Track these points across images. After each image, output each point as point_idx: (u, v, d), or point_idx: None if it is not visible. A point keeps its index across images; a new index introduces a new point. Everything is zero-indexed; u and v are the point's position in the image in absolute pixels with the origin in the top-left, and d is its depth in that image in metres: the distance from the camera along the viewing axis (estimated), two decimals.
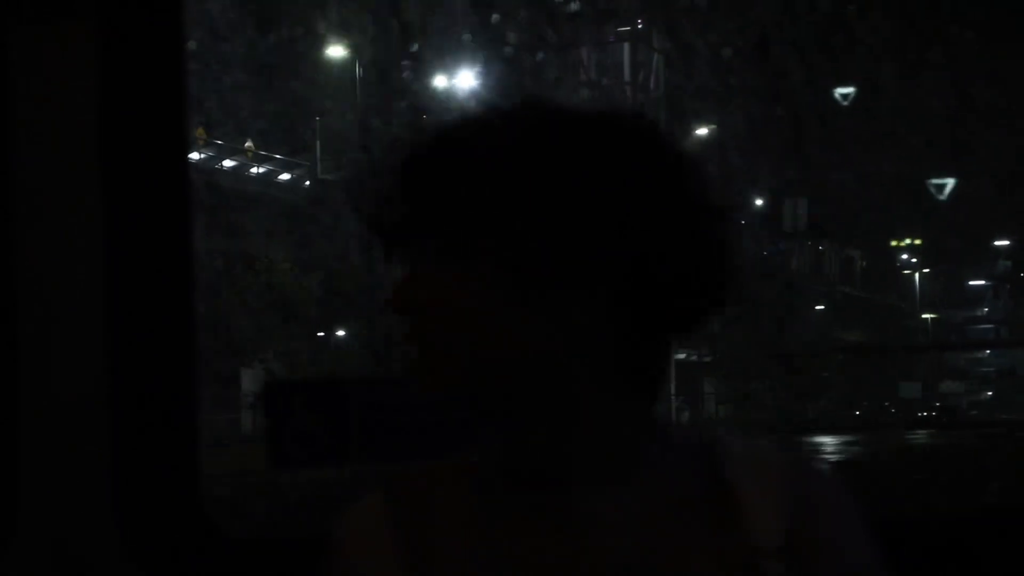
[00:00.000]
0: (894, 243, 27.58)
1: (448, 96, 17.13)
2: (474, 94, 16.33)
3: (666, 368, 1.46)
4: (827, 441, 17.85)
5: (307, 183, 18.41)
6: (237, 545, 2.37)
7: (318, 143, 17.51)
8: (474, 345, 1.39)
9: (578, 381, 1.40)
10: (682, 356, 18.45)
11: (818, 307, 25.25)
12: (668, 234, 1.37)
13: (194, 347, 2.36)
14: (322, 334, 18.08)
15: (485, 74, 17.17)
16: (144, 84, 2.31)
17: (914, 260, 28.53)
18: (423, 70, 17.32)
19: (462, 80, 17.45)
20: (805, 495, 1.46)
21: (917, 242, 27.10)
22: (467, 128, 1.41)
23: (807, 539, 1.43)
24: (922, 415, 24.44)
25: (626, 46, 18.19)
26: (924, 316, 28.36)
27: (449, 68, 17.10)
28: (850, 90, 17.37)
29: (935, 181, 21.13)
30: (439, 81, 17.90)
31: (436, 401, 1.50)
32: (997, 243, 26.20)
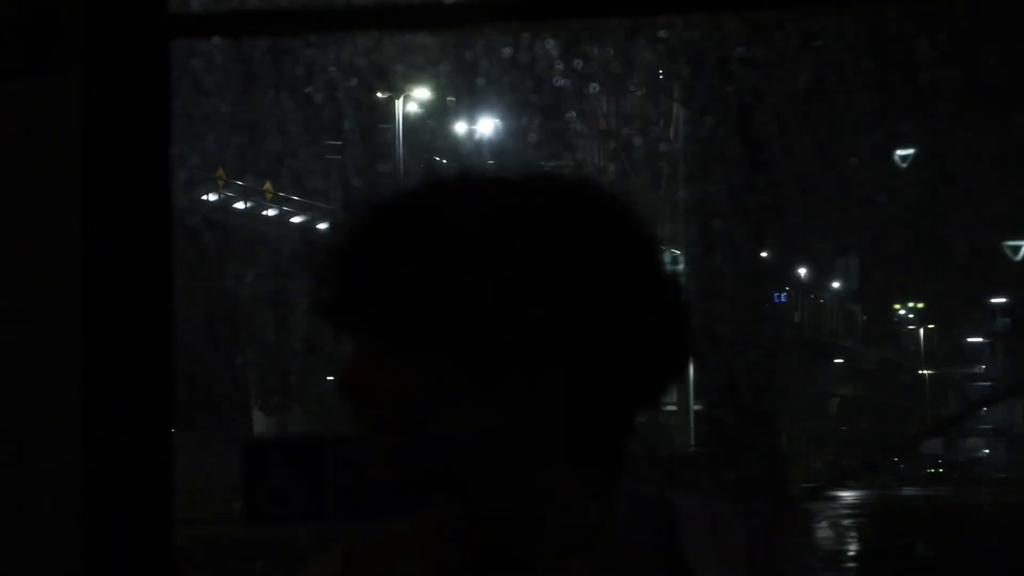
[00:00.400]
0: (897, 306, 27.74)
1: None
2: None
3: (630, 438, 1.42)
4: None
5: (321, 225, 18.61)
6: None
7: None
8: (424, 430, 1.36)
9: (535, 460, 1.37)
10: None
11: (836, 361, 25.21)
12: (626, 308, 1.34)
13: (171, 399, 2.35)
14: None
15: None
16: (128, 141, 2.32)
17: (911, 316, 28.70)
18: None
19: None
20: (764, 554, 1.43)
21: (920, 305, 27.27)
22: (410, 201, 1.37)
23: None
24: (935, 471, 24.35)
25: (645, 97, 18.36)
26: (922, 372, 28.51)
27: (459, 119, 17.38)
28: (909, 152, 17.61)
29: (1011, 243, 21.26)
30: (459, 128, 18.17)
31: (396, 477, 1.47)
32: (993, 300, 26.41)
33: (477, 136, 18.09)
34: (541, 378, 1.32)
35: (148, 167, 2.34)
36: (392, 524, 1.47)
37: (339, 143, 16.48)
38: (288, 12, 2.73)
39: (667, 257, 1.35)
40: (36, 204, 2.29)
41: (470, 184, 1.36)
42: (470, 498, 1.38)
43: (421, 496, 1.51)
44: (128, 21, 2.29)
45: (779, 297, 22.71)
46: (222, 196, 18.34)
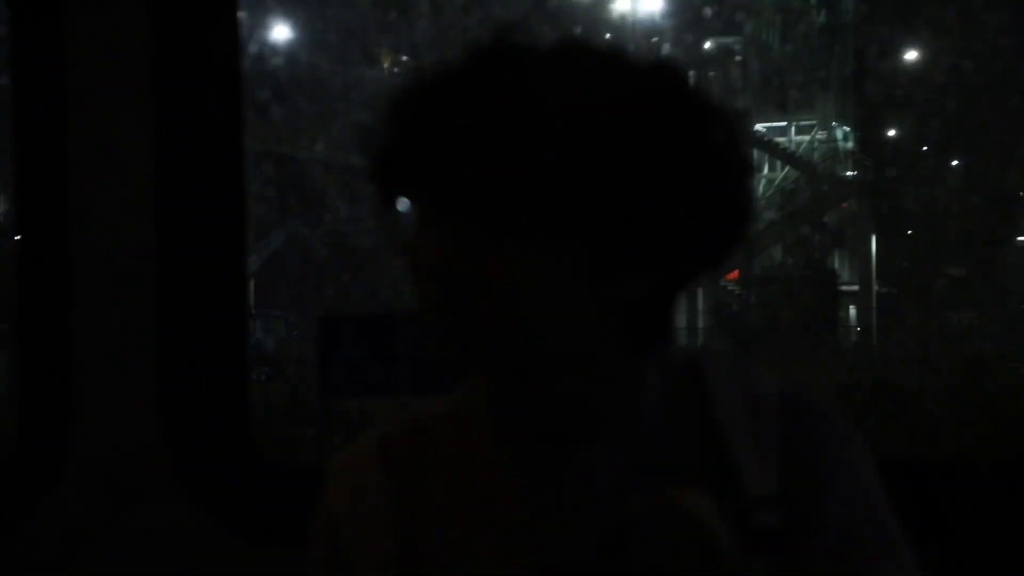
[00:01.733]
0: None
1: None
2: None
3: (673, 317, 1.41)
4: None
5: None
6: (285, 473, 2.41)
7: None
8: (530, 323, 1.31)
9: (596, 340, 1.35)
10: None
11: None
12: (691, 186, 1.30)
13: (243, 277, 2.40)
14: None
15: None
16: (198, 62, 2.34)
17: None
18: None
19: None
20: (799, 434, 1.40)
21: None
22: (493, 70, 1.29)
23: (802, 483, 1.38)
24: None
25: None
26: None
27: None
28: None
29: None
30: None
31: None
32: None
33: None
34: (621, 253, 1.29)
35: (219, 92, 2.38)
36: (425, 402, 1.49)
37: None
38: None
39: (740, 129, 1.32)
40: (107, 129, 2.33)
41: (555, 56, 1.30)
42: (522, 381, 1.36)
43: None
44: None
45: None
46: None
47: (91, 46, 2.30)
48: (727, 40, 21.70)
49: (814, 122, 22.37)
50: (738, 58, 21.65)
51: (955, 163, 20.45)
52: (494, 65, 1.28)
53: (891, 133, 20.91)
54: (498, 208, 1.26)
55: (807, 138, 22.35)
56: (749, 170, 1.35)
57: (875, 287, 20.87)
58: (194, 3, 2.32)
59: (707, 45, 21.60)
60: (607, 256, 1.28)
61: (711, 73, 21.16)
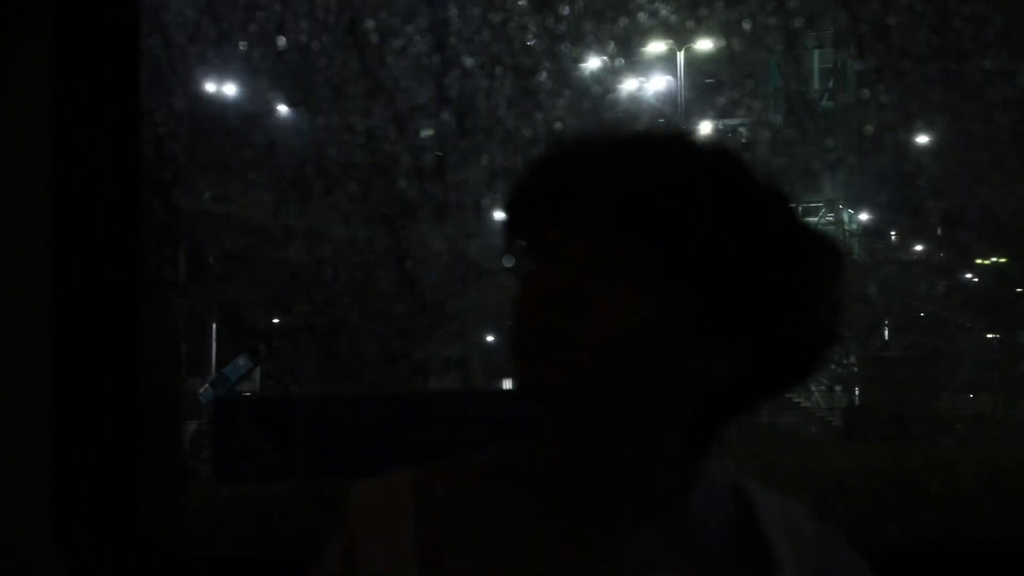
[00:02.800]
0: None
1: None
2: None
3: (724, 433, 1.46)
4: None
5: None
6: (180, 559, 2.38)
7: None
8: (636, 363, 1.35)
9: (675, 412, 1.39)
10: None
11: None
12: (809, 307, 1.38)
13: (139, 353, 2.37)
14: None
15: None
16: (97, 92, 2.32)
17: None
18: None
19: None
20: (833, 565, 1.47)
21: None
22: (646, 141, 1.40)
23: None
24: None
25: (816, 52, 18.42)
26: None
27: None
28: None
29: None
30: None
31: (393, 411, 1.46)
32: None
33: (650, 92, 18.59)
34: (737, 347, 1.36)
35: (117, 122, 2.35)
36: (361, 479, 1.45)
37: None
38: None
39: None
40: (2, 156, 2.29)
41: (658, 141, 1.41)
42: (593, 442, 1.38)
43: (393, 452, 1.50)
44: None
45: None
46: None
47: None
48: (733, 122, 21.86)
49: (821, 204, 22.42)
50: (744, 140, 21.85)
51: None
52: (661, 145, 1.38)
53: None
54: (622, 242, 1.33)
55: (814, 220, 22.52)
56: (843, 292, 1.44)
57: None
58: (94, 62, 2.32)
59: (713, 126, 21.84)
60: (710, 319, 1.34)
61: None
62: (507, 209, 1.41)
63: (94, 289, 2.32)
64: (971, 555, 2.42)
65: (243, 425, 2.59)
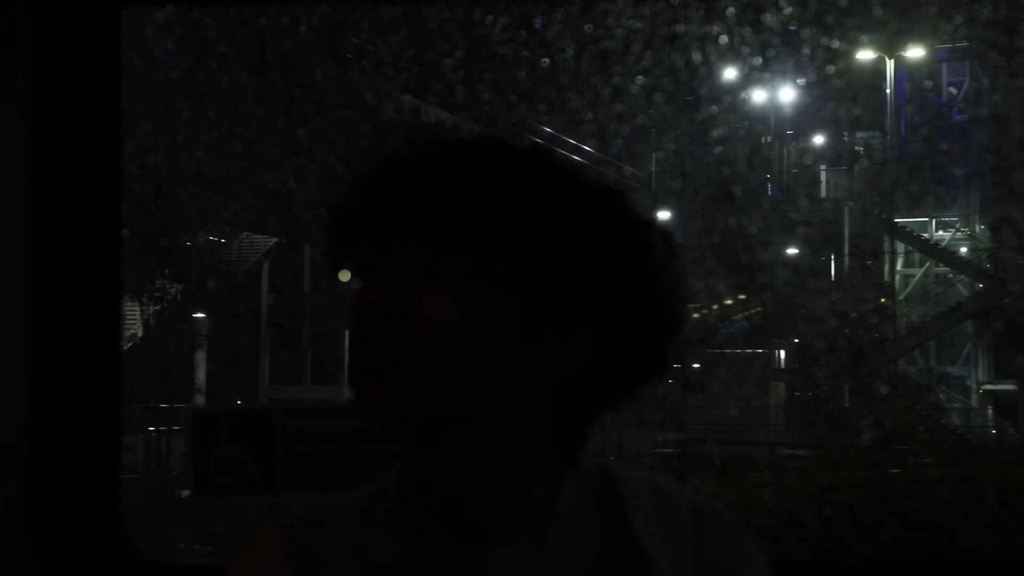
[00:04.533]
0: None
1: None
2: None
3: (593, 426, 1.45)
4: None
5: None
6: (155, 571, 2.37)
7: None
8: (465, 369, 1.35)
9: (522, 418, 1.38)
10: None
11: None
12: (621, 273, 1.37)
13: (118, 368, 2.36)
14: None
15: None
16: (77, 108, 2.32)
17: None
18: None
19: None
20: (714, 551, 1.45)
21: None
22: (470, 148, 1.40)
23: None
24: None
25: (944, 65, 18.59)
26: None
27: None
28: None
29: None
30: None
31: (373, 422, 1.47)
32: None
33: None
34: (572, 342, 1.35)
35: (98, 137, 2.35)
36: (334, 496, 1.45)
37: None
38: None
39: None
40: None
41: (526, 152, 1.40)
42: (448, 458, 1.37)
43: (371, 466, 1.52)
44: None
45: None
46: None
47: None
48: (865, 135, 21.87)
49: (955, 218, 22.29)
50: (876, 153, 21.78)
51: None
52: (470, 151, 1.37)
53: None
54: (441, 254, 1.32)
55: (948, 234, 22.15)
56: (678, 283, 1.41)
57: None
58: (75, 98, 2.32)
59: (844, 139, 21.84)
60: (537, 317, 1.33)
61: (847, 168, 21.53)
62: (328, 231, 1.40)
63: (75, 299, 2.33)
64: None
65: (222, 438, 2.59)
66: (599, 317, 1.35)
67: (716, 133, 20.09)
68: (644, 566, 1.41)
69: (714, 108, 19.71)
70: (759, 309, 21.12)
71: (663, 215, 20.34)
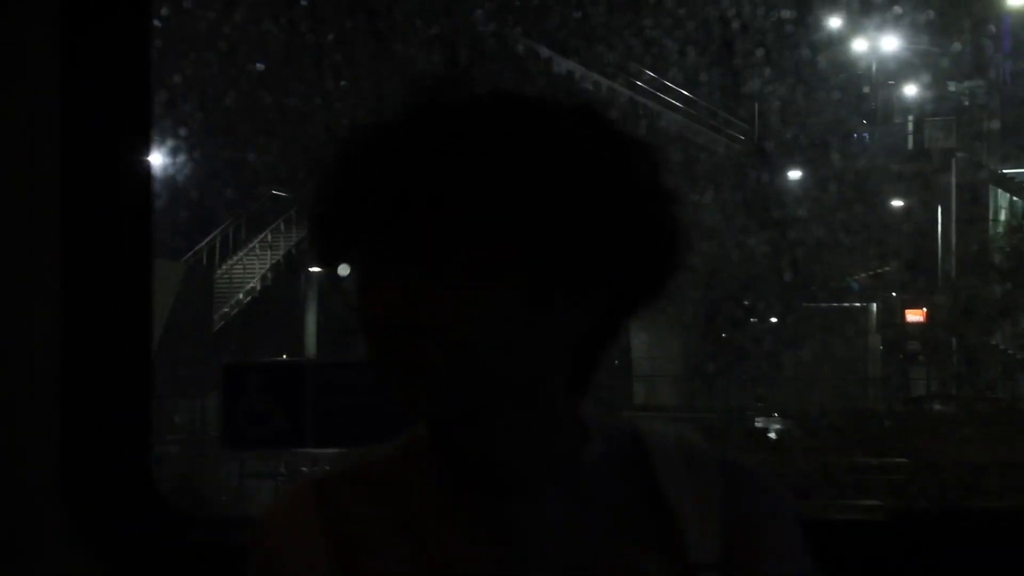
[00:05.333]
0: None
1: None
2: None
3: (600, 364, 1.47)
4: None
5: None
6: (188, 522, 2.42)
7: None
8: (487, 363, 1.36)
9: (542, 378, 1.40)
10: None
11: None
12: (619, 215, 1.37)
13: (148, 320, 2.41)
14: None
15: None
16: (106, 70, 2.34)
17: None
18: None
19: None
20: (742, 507, 1.46)
21: None
22: (434, 119, 1.35)
23: (743, 553, 1.43)
24: None
25: None
26: None
27: None
28: None
29: None
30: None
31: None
32: None
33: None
34: (584, 302, 1.36)
35: (127, 91, 2.37)
36: (364, 449, 1.50)
37: None
38: None
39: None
40: (13, 137, 2.33)
41: (489, 104, 1.37)
42: (473, 426, 1.39)
43: (402, 420, 1.54)
44: None
45: None
46: None
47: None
48: (970, 83, 21.68)
49: None
50: (981, 103, 21.57)
51: None
52: (430, 120, 1.34)
53: None
54: (439, 254, 1.31)
55: None
56: (673, 199, 1.41)
57: None
58: (105, 54, 2.35)
59: (950, 88, 21.70)
60: (548, 288, 1.33)
61: (952, 118, 21.19)
62: (315, 232, 1.39)
63: (106, 260, 2.37)
64: None
65: (252, 392, 2.61)
66: (609, 273, 1.36)
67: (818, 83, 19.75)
68: (672, 522, 1.42)
69: (820, 59, 19.43)
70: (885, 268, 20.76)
71: (794, 174, 20.12)
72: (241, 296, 19.58)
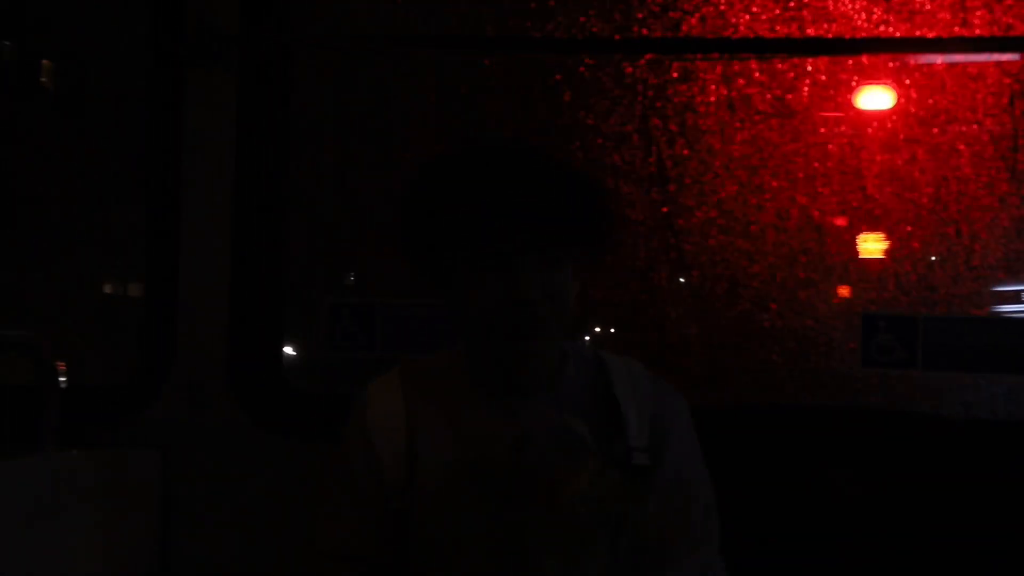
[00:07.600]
0: None
1: None
2: None
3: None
4: None
5: None
6: (304, 399, 2.83)
7: None
8: (565, 318, 1.61)
9: (566, 319, 1.67)
10: None
11: None
12: (612, 235, 1.67)
13: (283, 266, 2.83)
14: None
15: None
16: (265, 123, 2.79)
17: None
18: None
19: None
20: (661, 408, 1.72)
21: None
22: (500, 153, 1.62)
23: (660, 438, 1.70)
24: None
25: None
26: None
27: None
28: None
29: None
30: None
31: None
32: None
33: None
34: (575, 268, 1.65)
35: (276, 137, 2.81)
36: (421, 354, 1.80)
37: None
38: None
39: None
40: (201, 159, 2.73)
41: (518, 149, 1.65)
42: (538, 353, 1.68)
43: (438, 338, 2.07)
44: (266, 31, 2.78)
45: None
46: None
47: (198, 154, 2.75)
48: None
49: None
50: None
51: None
52: (518, 155, 1.64)
53: None
54: (539, 251, 1.61)
55: None
56: (610, 197, 1.75)
57: None
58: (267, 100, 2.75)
59: None
60: (571, 262, 1.64)
61: None
62: (426, 235, 1.63)
63: (258, 230, 2.77)
64: None
65: (344, 318, 2.93)
66: (587, 246, 1.68)
67: None
68: (619, 417, 1.71)
69: None
70: None
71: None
72: None
